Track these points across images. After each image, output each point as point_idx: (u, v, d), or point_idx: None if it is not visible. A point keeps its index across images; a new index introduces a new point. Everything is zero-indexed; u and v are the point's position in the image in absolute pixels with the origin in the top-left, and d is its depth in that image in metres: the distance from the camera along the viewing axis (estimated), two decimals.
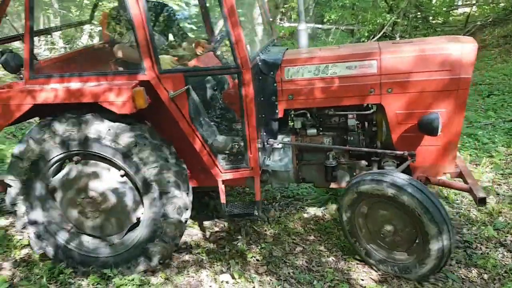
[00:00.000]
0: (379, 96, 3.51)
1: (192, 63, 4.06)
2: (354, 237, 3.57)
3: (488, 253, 3.70)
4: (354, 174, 3.79)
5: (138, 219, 3.50)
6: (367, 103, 3.66)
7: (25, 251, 3.91)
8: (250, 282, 3.47)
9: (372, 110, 3.73)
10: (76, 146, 3.31)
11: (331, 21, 14.23)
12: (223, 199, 3.57)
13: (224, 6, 3.12)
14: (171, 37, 4.41)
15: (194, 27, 8.47)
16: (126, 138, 3.26)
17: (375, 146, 3.78)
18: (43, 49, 10.26)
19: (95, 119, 3.27)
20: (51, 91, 3.27)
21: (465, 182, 3.63)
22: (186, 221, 3.54)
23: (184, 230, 3.58)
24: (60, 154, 3.37)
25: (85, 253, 3.60)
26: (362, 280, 3.46)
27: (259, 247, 3.92)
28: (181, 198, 3.40)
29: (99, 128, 3.26)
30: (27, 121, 3.95)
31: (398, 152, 3.55)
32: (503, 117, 6.93)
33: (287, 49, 4.03)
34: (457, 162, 3.80)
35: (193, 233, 4.22)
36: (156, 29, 4.10)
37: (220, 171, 3.52)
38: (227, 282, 3.49)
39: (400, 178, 3.22)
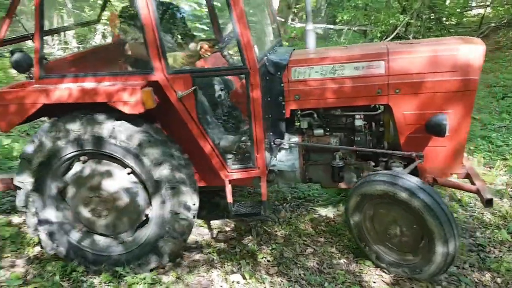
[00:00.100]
0: (387, 97, 3.50)
1: (200, 63, 4.07)
2: (364, 241, 3.57)
3: (501, 257, 3.67)
4: (361, 174, 3.79)
5: (147, 217, 3.52)
6: (374, 104, 3.66)
7: (38, 248, 3.94)
8: (261, 283, 3.46)
9: (379, 111, 3.73)
10: (89, 144, 3.33)
11: (343, 21, 14.16)
12: (229, 198, 3.58)
13: (232, 7, 3.13)
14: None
15: (206, 28, 8.50)
16: (137, 139, 3.28)
17: (382, 146, 3.78)
18: (57, 49, 10.36)
19: (108, 118, 3.30)
20: (61, 91, 3.30)
21: (472, 183, 3.63)
22: (194, 217, 3.55)
23: (193, 226, 3.59)
24: (73, 152, 3.40)
25: (97, 252, 3.62)
26: (374, 282, 3.44)
27: (269, 248, 3.91)
28: (188, 194, 3.42)
29: (111, 127, 3.29)
30: (38, 120, 3.96)
31: (406, 153, 3.54)
32: None
33: (294, 49, 4.05)
34: (464, 163, 3.80)
35: (204, 233, 4.23)
36: (164, 28, 4.11)
37: (227, 171, 3.53)
38: (238, 282, 3.49)
39: (412, 182, 3.20)
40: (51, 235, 3.61)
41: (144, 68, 3.41)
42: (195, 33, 4.49)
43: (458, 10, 14.76)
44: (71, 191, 3.54)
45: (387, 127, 3.73)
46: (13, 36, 4.01)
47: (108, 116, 3.31)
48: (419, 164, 3.55)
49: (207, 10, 5.52)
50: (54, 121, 3.40)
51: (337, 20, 14.73)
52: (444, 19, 14.68)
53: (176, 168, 3.36)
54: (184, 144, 3.58)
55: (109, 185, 3.45)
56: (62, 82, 3.43)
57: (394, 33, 12.64)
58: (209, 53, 3.74)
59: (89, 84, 3.36)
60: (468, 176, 3.76)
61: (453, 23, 15.01)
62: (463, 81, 3.33)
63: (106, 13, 5.42)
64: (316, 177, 3.95)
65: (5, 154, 5.66)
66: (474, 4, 17.33)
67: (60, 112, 3.41)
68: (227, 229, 4.30)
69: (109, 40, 10.57)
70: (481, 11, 15.66)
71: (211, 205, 4.63)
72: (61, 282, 3.47)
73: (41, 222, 3.59)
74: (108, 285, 3.47)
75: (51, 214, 3.59)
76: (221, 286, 3.48)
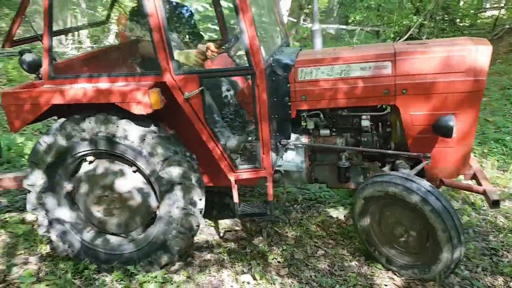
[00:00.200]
0: (394, 97, 3.50)
1: (207, 64, 4.09)
2: (372, 246, 3.57)
3: None
4: (368, 175, 3.78)
5: (155, 214, 3.54)
6: (381, 104, 3.66)
7: (50, 246, 3.98)
8: (271, 284, 3.46)
9: (386, 111, 3.71)
10: (103, 144, 3.36)
11: (355, 22, 14.11)
12: (236, 198, 3.60)
13: (239, 8, 3.14)
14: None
15: (218, 28, 8.51)
16: (145, 137, 3.32)
17: (389, 147, 3.76)
18: (70, 48, 10.45)
19: (119, 119, 3.33)
20: (70, 91, 3.33)
21: (479, 184, 3.62)
22: (201, 212, 3.57)
23: (200, 222, 3.60)
24: (86, 150, 3.43)
25: (109, 251, 3.64)
26: (386, 285, 3.42)
27: (280, 249, 3.91)
28: (194, 190, 3.44)
29: (125, 128, 3.31)
30: (50, 118, 4.00)
31: (413, 154, 3.53)
32: None
33: (301, 49, 4.05)
34: (471, 164, 3.78)
35: (214, 233, 4.24)
36: (172, 29, 4.13)
37: (233, 171, 3.55)
38: (248, 283, 3.49)
39: (422, 185, 3.20)
40: (62, 236, 3.65)
41: (151, 69, 3.45)
42: (206, 34, 4.50)
43: (472, 11, 14.64)
44: (80, 191, 3.58)
45: (394, 127, 3.72)
46: (27, 36, 4.05)
47: (119, 116, 3.33)
48: (426, 165, 3.54)
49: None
50: (68, 120, 3.42)
51: (350, 21, 14.68)
52: (458, 20, 14.57)
53: (181, 165, 3.38)
54: (191, 144, 3.60)
55: (116, 184, 3.48)
56: (71, 83, 3.47)
57: (407, 34, 12.56)
58: (215, 54, 3.76)
59: (97, 85, 3.40)
60: (475, 177, 3.76)
61: (467, 24, 14.88)
62: (470, 82, 3.32)
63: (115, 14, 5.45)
64: (322, 178, 3.96)
65: (18, 152, 5.73)
66: (488, 5, 17.18)
67: (68, 112, 3.44)
68: (238, 229, 4.30)
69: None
70: (495, 12, 15.51)
71: (222, 205, 4.64)
72: (73, 279, 3.50)
73: (52, 223, 3.63)
74: (120, 283, 3.50)
75: (62, 215, 3.63)
76: (232, 286, 3.48)
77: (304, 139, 3.84)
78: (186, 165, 3.42)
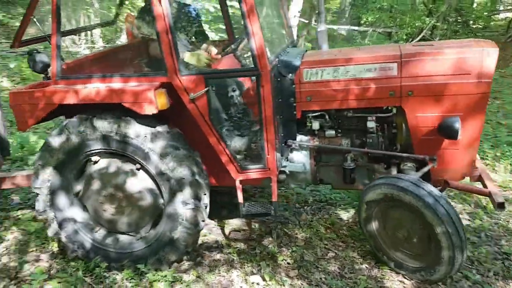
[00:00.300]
0: (399, 99, 3.49)
1: (214, 64, 4.10)
2: (380, 250, 3.58)
3: None
4: (373, 176, 3.78)
5: (161, 211, 3.56)
6: (387, 106, 3.65)
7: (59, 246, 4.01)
8: (281, 285, 3.45)
9: (392, 113, 3.70)
10: (115, 143, 3.38)
11: (367, 23, 14.05)
12: (240, 198, 3.61)
13: (244, 9, 3.16)
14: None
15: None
16: (160, 140, 3.35)
17: (395, 148, 3.75)
18: (83, 48, 10.53)
19: (133, 119, 3.35)
20: (77, 91, 3.37)
21: (485, 186, 3.60)
22: (206, 207, 3.58)
23: (206, 217, 3.61)
24: (97, 149, 3.45)
25: (119, 250, 3.67)
26: None
27: (290, 251, 3.90)
28: (199, 185, 3.45)
29: (137, 128, 3.34)
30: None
31: (419, 156, 3.52)
32: None
33: (306, 50, 4.05)
34: (476, 166, 3.77)
35: (224, 233, 4.24)
36: (178, 28, 4.14)
37: (238, 171, 3.56)
38: (257, 284, 3.49)
39: (430, 191, 3.20)
40: (71, 237, 3.68)
41: (158, 70, 3.48)
42: (218, 35, 4.51)
43: (485, 13, 14.49)
44: (86, 191, 3.60)
45: (399, 129, 3.70)
46: (40, 35, 4.08)
47: (136, 117, 3.36)
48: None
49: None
50: (84, 117, 3.45)
51: (362, 22, 14.62)
52: (471, 22, 14.44)
53: (188, 163, 3.40)
54: (196, 143, 3.62)
55: (122, 182, 3.50)
56: (78, 83, 3.50)
57: (420, 36, 12.48)
58: (217, 58, 3.78)
59: (104, 85, 3.43)
60: (480, 178, 3.75)
61: (480, 26, 14.75)
62: (476, 84, 3.30)
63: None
64: (327, 179, 3.95)
65: (31, 151, 5.79)
66: (501, 7, 17.00)
67: (75, 111, 3.47)
68: (247, 229, 4.30)
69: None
70: (509, 14, 15.35)
71: (232, 205, 4.64)
72: (84, 277, 3.52)
73: (62, 224, 3.66)
74: (130, 282, 3.51)
75: (71, 215, 3.67)
76: (241, 286, 3.48)
77: (309, 140, 3.84)
78: (192, 162, 3.45)
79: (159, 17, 3.22)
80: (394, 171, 3.68)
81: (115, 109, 3.36)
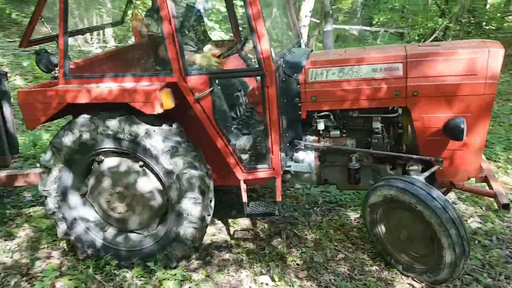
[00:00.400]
0: (405, 99, 3.48)
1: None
2: (388, 254, 3.58)
3: None
4: (378, 177, 3.77)
5: (167, 207, 3.57)
6: (392, 106, 3.64)
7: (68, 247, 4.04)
8: (290, 286, 3.45)
9: (397, 113, 3.69)
10: (127, 142, 3.40)
11: (379, 23, 13.97)
12: (244, 198, 3.63)
13: (249, 9, 3.16)
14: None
15: (241, 28, 8.53)
16: (170, 140, 3.39)
17: (400, 149, 3.74)
18: (95, 47, 10.61)
19: (144, 119, 3.38)
20: (84, 91, 3.40)
21: (490, 187, 3.58)
22: (211, 201, 3.60)
23: (212, 210, 3.63)
24: (108, 148, 3.47)
25: (128, 248, 3.69)
26: None
27: (299, 251, 3.89)
28: (201, 178, 3.46)
29: (148, 128, 3.36)
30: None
31: (425, 158, 3.51)
32: None
33: (312, 50, 4.05)
34: (482, 167, 3.74)
35: (233, 233, 4.24)
36: (183, 28, 4.16)
37: (242, 171, 3.58)
38: (267, 284, 3.49)
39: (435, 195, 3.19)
40: (80, 238, 3.71)
41: (163, 70, 3.51)
42: (228, 34, 4.53)
43: (498, 14, 14.32)
44: (94, 192, 3.64)
45: (405, 129, 3.69)
46: (53, 34, 4.12)
47: (147, 117, 3.37)
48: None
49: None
50: (96, 115, 3.47)
51: (374, 22, 14.54)
52: (484, 23, 14.29)
53: (182, 153, 3.41)
54: (200, 143, 3.64)
55: (127, 181, 3.53)
56: (85, 83, 3.54)
57: (432, 37, 12.38)
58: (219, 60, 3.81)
59: (110, 84, 3.46)
60: (486, 180, 3.73)
61: (493, 28, 14.58)
62: (482, 85, 3.29)
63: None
64: (332, 179, 3.95)
65: (44, 148, 5.85)
66: None
67: (81, 110, 3.50)
68: (256, 230, 4.30)
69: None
70: None
71: (241, 205, 4.63)
72: (94, 275, 3.55)
73: (71, 225, 3.69)
74: (140, 280, 3.53)
75: (80, 214, 3.70)
76: (250, 287, 3.48)
77: (314, 140, 3.84)
78: (196, 158, 3.48)
79: (165, 17, 3.25)
80: (399, 172, 3.68)
81: (120, 108, 3.40)
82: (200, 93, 3.35)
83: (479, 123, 3.38)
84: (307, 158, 3.83)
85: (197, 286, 3.46)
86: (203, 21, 4.60)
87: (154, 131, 3.37)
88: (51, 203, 3.66)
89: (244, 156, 3.70)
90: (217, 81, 3.61)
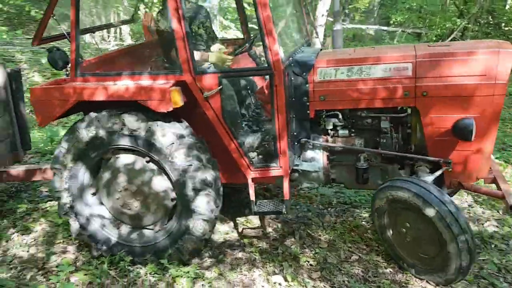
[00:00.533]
0: (414, 99, 3.46)
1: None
2: (400, 259, 3.56)
3: None
4: (386, 176, 3.75)
5: (175, 201, 3.58)
6: (401, 106, 3.62)
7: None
8: (303, 286, 3.44)
9: (406, 113, 3.66)
10: (142, 140, 3.41)
11: (396, 23, 13.85)
12: (252, 196, 3.62)
13: (259, 8, 3.17)
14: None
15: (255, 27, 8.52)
16: (184, 139, 3.41)
17: (409, 149, 3.72)
18: (112, 45, 10.70)
19: (158, 118, 3.40)
20: (95, 88, 3.42)
21: (499, 188, 3.54)
22: (219, 192, 3.60)
23: (220, 202, 3.62)
24: (123, 145, 3.49)
25: (142, 244, 3.71)
26: None
27: (313, 252, 3.88)
28: (206, 171, 3.45)
29: (163, 126, 3.38)
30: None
31: (434, 159, 3.49)
32: None
33: (321, 49, 4.05)
34: (491, 167, 3.71)
35: (246, 231, 4.24)
36: (192, 27, 4.17)
37: (250, 169, 3.58)
38: (279, 284, 3.48)
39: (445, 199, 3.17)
40: (93, 236, 3.74)
41: (173, 68, 3.53)
42: (240, 33, 4.53)
43: None
44: (104, 190, 3.66)
45: (413, 130, 3.67)
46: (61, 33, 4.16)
47: (160, 115, 3.40)
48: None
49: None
50: (114, 113, 3.49)
51: (391, 22, 14.42)
52: (503, 24, 14.08)
53: (193, 149, 3.42)
54: (209, 141, 3.65)
55: (134, 177, 3.55)
56: (96, 80, 3.57)
57: (450, 37, 12.24)
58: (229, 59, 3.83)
59: (120, 82, 3.48)
60: (494, 181, 3.68)
61: None
62: (491, 86, 3.26)
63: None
64: (340, 178, 3.94)
65: None
66: None
67: (91, 108, 3.53)
68: (270, 229, 4.30)
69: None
70: None
71: None
72: (108, 270, 3.58)
73: (84, 224, 3.72)
74: (153, 276, 3.55)
75: (93, 212, 3.73)
76: (263, 286, 3.48)
77: (322, 139, 3.84)
78: (201, 150, 3.49)
79: (176, 17, 3.27)
80: (407, 172, 3.67)
81: (128, 106, 3.43)
82: (209, 91, 3.37)
83: (488, 123, 3.35)
84: (315, 157, 3.83)
85: (210, 284, 3.47)
86: (210, 20, 4.62)
87: (169, 130, 3.39)
88: (63, 205, 3.70)
89: (252, 155, 3.71)
90: (226, 80, 3.62)
